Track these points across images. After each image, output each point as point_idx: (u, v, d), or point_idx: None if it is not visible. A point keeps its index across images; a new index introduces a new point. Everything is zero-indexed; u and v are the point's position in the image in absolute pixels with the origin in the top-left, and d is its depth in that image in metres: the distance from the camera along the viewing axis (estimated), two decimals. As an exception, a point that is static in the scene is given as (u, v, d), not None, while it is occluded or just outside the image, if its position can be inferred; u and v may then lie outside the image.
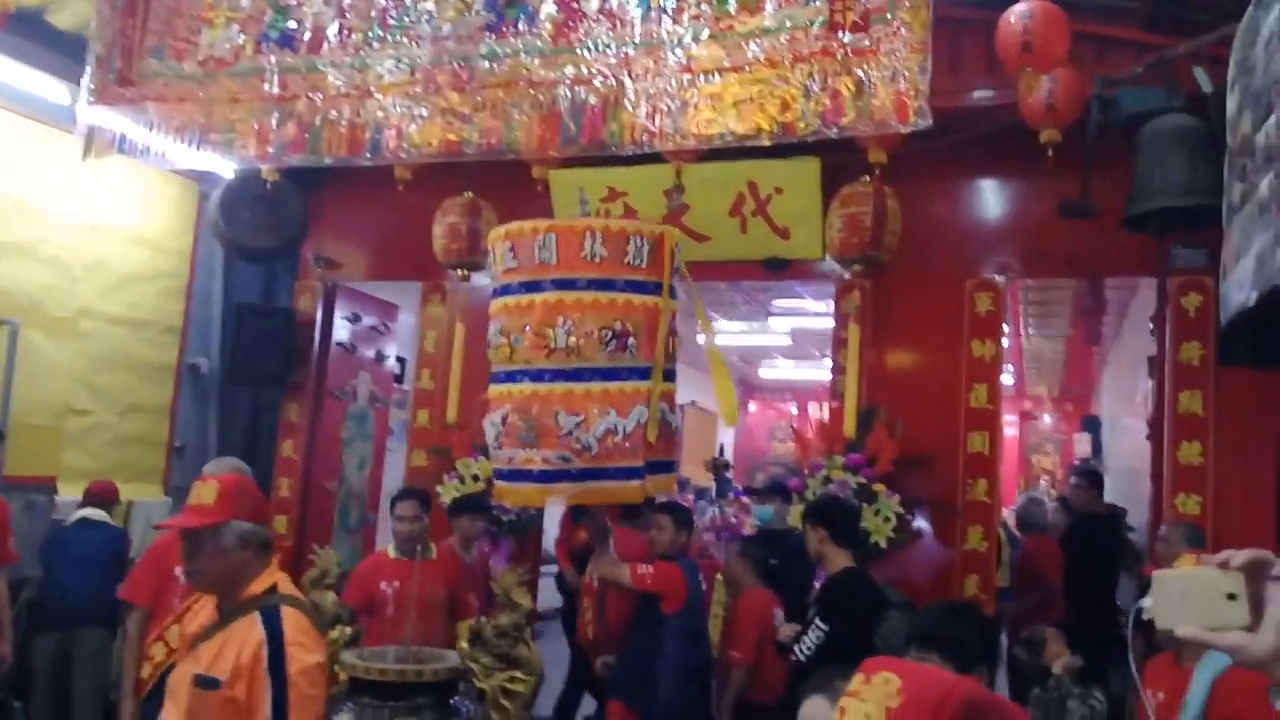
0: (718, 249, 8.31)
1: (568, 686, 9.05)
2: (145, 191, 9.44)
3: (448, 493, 8.28)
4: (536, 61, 5.93)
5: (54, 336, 8.58)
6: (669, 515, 6.72)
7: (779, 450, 23.06)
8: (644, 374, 5.21)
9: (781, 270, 8.67)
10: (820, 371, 17.22)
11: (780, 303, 14.81)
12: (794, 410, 23.77)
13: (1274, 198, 4.47)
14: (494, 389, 5.27)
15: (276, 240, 9.58)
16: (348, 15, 6.43)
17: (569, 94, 5.85)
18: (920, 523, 7.83)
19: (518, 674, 4.41)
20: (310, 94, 6.43)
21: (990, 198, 8.42)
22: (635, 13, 5.78)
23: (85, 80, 7.05)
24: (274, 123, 6.50)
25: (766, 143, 5.53)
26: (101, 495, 7.90)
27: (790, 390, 23.40)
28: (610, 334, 5.12)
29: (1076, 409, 22.42)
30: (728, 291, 13.33)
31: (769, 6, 5.50)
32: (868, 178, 7.33)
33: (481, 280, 9.05)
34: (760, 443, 25.22)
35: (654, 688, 6.30)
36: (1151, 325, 8.36)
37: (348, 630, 4.56)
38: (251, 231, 9.34)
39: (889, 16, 5.25)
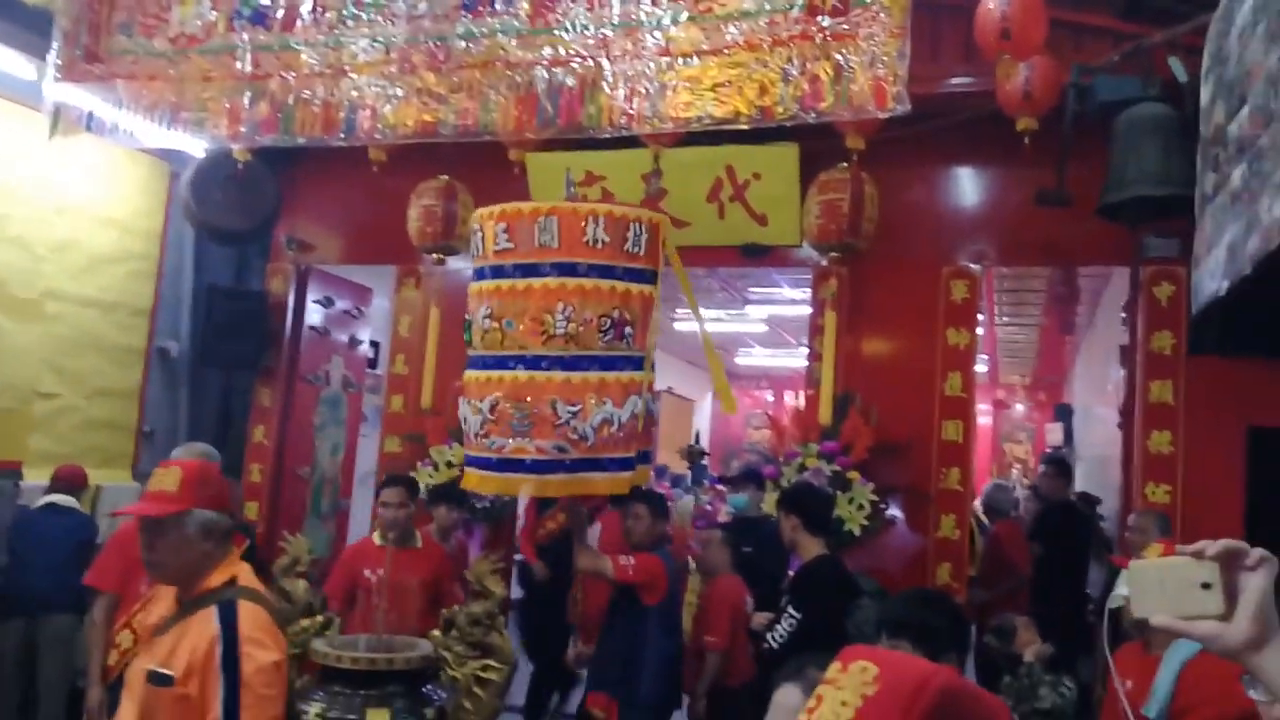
0: (695, 235, 8.29)
1: (536, 676, 8.99)
2: (114, 171, 9.32)
3: (422, 479, 8.25)
4: (514, 42, 5.89)
5: (19, 319, 8.47)
6: (645, 504, 6.53)
7: (755, 438, 23.05)
8: (638, 364, 5.19)
9: (759, 257, 8.66)
10: (796, 359, 17.21)
11: (757, 290, 14.79)
12: (770, 398, 23.79)
13: (1246, 188, 4.49)
14: (479, 374, 5.14)
15: (248, 222, 9.51)
16: (322, -8, 6.38)
17: (546, 75, 5.81)
18: (893, 511, 7.84)
19: (491, 662, 4.39)
20: (283, 73, 6.37)
21: (967, 185, 8.44)
22: (614, -7, 5.75)
23: (52, 57, 6.96)
24: (246, 102, 6.44)
25: (744, 126, 5.51)
26: (69, 480, 7.83)
27: (766, 378, 23.41)
28: (609, 322, 5.06)
29: (1049, 397, 22.49)
30: (705, 278, 13.29)
31: (748, -11, 5.48)
32: (846, 164, 7.31)
33: (457, 264, 9.02)
34: (736, 430, 25.23)
35: (636, 678, 6.20)
36: (1124, 314, 8.38)
37: (319, 619, 4.52)
38: (223, 212, 9.27)
39: (868, 1, 5.24)
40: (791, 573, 6.30)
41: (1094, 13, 7.11)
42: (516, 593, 9.96)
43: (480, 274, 5.21)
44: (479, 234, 5.19)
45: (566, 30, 5.79)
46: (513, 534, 9.08)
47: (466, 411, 5.17)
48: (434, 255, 8.71)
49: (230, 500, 3.85)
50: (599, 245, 5.03)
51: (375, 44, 6.17)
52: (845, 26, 5.23)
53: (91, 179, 9.10)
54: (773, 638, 5.70)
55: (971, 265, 8.22)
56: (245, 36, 6.48)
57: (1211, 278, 5.18)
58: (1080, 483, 13.60)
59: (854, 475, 7.50)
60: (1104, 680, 6.36)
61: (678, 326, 15.84)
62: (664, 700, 6.39)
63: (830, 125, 6.26)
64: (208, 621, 3.43)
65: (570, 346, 4.97)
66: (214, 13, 6.59)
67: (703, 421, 24.57)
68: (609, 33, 5.68)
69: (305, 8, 6.38)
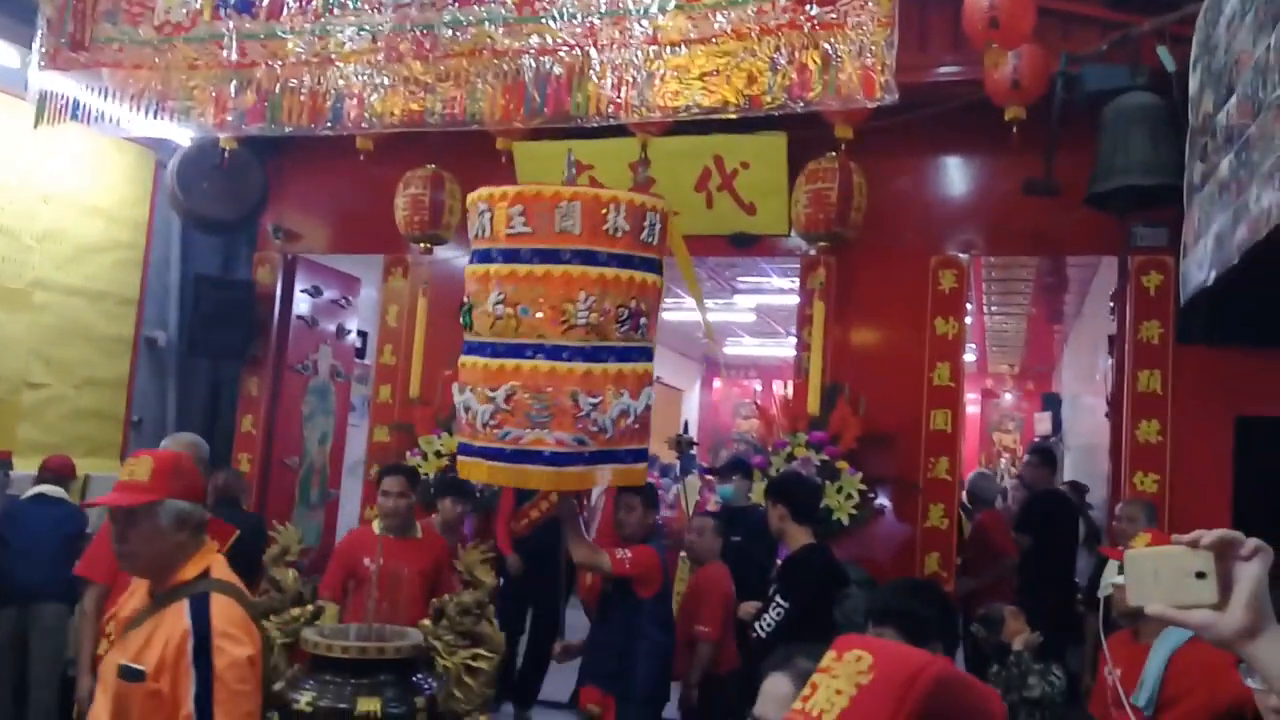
0: (683, 224, 8.20)
1: (525, 666, 8.95)
2: (100, 160, 9.29)
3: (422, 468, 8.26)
4: (500, 30, 5.86)
5: (8, 308, 8.45)
6: (638, 495, 6.36)
7: (743, 427, 23.08)
8: (650, 355, 5.17)
9: (748, 246, 8.66)
10: (784, 349, 17.23)
11: (745, 279, 14.79)
12: (758, 387, 23.80)
13: (1234, 178, 4.50)
14: (488, 361, 4.98)
15: (235, 211, 9.50)
16: (308, -21, 6.35)
17: (534, 64, 5.78)
18: (880, 500, 7.85)
19: (481, 651, 4.38)
20: (270, 61, 6.33)
21: (955, 175, 8.45)
22: (601, -19, 5.73)
23: (37, 44, 6.93)
24: (232, 90, 6.41)
25: (733, 116, 5.50)
26: (57, 471, 7.81)
27: (754, 367, 23.43)
28: (626, 313, 4.98)
29: (1037, 387, 22.54)
30: (693, 267, 13.30)
31: (736, -22, 5.46)
32: (834, 154, 7.30)
33: (445, 254, 9.01)
34: (725, 419, 25.27)
35: (631, 672, 6.13)
36: (1112, 304, 8.41)
37: (309, 608, 4.51)
38: (209, 202, 9.25)
39: (856, -10, 5.23)
40: (779, 562, 6.29)
41: (1082, 2, 7.11)
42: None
43: (485, 257, 5.05)
44: (486, 215, 5.03)
45: (554, 19, 5.75)
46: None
47: (470, 400, 5.02)
48: (421, 244, 8.69)
49: (204, 491, 3.79)
50: (619, 234, 4.93)
51: (362, 32, 6.13)
52: (833, 16, 5.21)
53: (77, 168, 9.07)
54: (760, 626, 5.71)
55: (959, 254, 8.23)
56: (231, 24, 6.43)
57: (1199, 267, 5.19)
58: (1069, 472, 13.66)
59: (842, 465, 7.53)
60: (1092, 669, 6.38)
61: (664, 316, 15.81)
62: (659, 693, 6.36)
63: (818, 114, 6.24)
64: (179, 616, 3.36)
65: (591, 337, 4.87)
66: (199, 1, 6.56)
67: (691, 411, 24.57)
68: (596, 21, 5.65)
69: (291, -5, 6.35)
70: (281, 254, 10.15)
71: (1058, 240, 8.10)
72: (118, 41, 6.73)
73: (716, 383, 25.78)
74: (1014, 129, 6.36)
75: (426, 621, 4.45)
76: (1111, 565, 6.25)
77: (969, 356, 17.38)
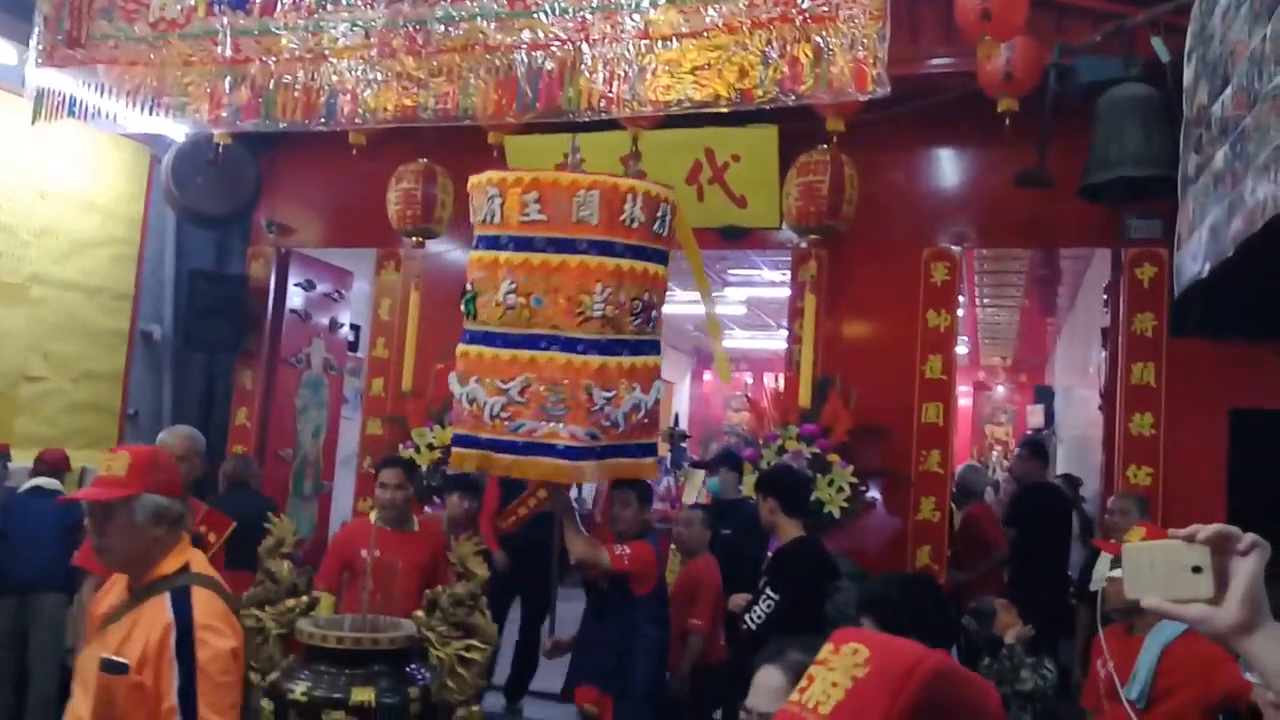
0: (676, 217, 8.28)
1: (516, 662, 8.92)
2: (95, 156, 9.31)
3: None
4: (492, 26, 5.85)
5: (5, 303, 8.48)
6: (633, 491, 6.22)
7: (734, 420, 23.12)
8: (659, 348, 5.13)
9: (739, 239, 8.66)
10: (775, 341, 17.23)
11: (736, 272, 14.80)
12: (749, 380, 23.80)
13: (1229, 169, 4.49)
14: (498, 352, 4.93)
15: (229, 206, 9.52)
16: (301, -24, 6.34)
17: (525, 59, 5.77)
18: (872, 493, 7.86)
19: (474, 642, 4.38)
20: (264, 57, 6.32)
21: (947, 167, 8.45)
22: (592, -24, 5.71)
23: (34, 41, 6.94)
24: (227, 87, 6.40)
25: (724, 110, 5.49)
26: (53, 464, 7.83)
27: (745, 360, 23.40)
28: (640, 305, 4.95)
29: (1030, 379, 22.55)
30: (683, 260, 13.31)
31: (727, -29, 5.45)
32: (825, 146, 7.29)
33: (437, 247, 9.02)
34: (715, 412, 25.29)
35: (629, 670, 5.96)
36: (1105, 296, 8.40)
37: (304, 599, 4.52)
38: (204, 197, 9.27)
39: (847, -18, 5.22)
40: (770, 554, 6.28)
41: (1075, -7, 7.12)
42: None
43: (494, 243, 5.00)
44: (496, 200, 4.97)
45: (545, 13, 5.73)
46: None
47: (477, 392, 4.96)
48: (414, 238, 8.68)
49: (181, 486, 3.77)
50: (635, 225, 4.90)
51: (355, 28, 6.12)
52: (825, 8, 5.19)
53: (74, 164, 9.10)
54: (751, 619, 5.70)
55: (952, 247, 8.24)
56: (225, 21, 6.42)
57: (1194, 259, 5.19)
58: (1061, 465, 13.65)
59: (834, 458, 7.52)
60: (1083, 662, 6.39)
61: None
62: (657, 691, 6.24)
63: (810, 107, 6.24)
64: (161, 609, 3.36)
65: (606, 330, 4.83)
66: (194, -3, 6.56)
67: (682, 404, 24.63)
68: (588, 16, 5.64)
69: (284, -8, 6.34)
70: (275, 248, 10.18)
71: (1051, 232, 8.11)
72: (113, 38, 6.72)
73: (707, 375, 25.81)
74: (1007, 121, 6.35)
75: (420, 613, 4.45)
76: (1104, 558, 6.27)
77: (961, 349, 17.38)
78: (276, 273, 10.23)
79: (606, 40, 5.60)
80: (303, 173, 9.88)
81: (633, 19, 5.57)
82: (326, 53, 6.19)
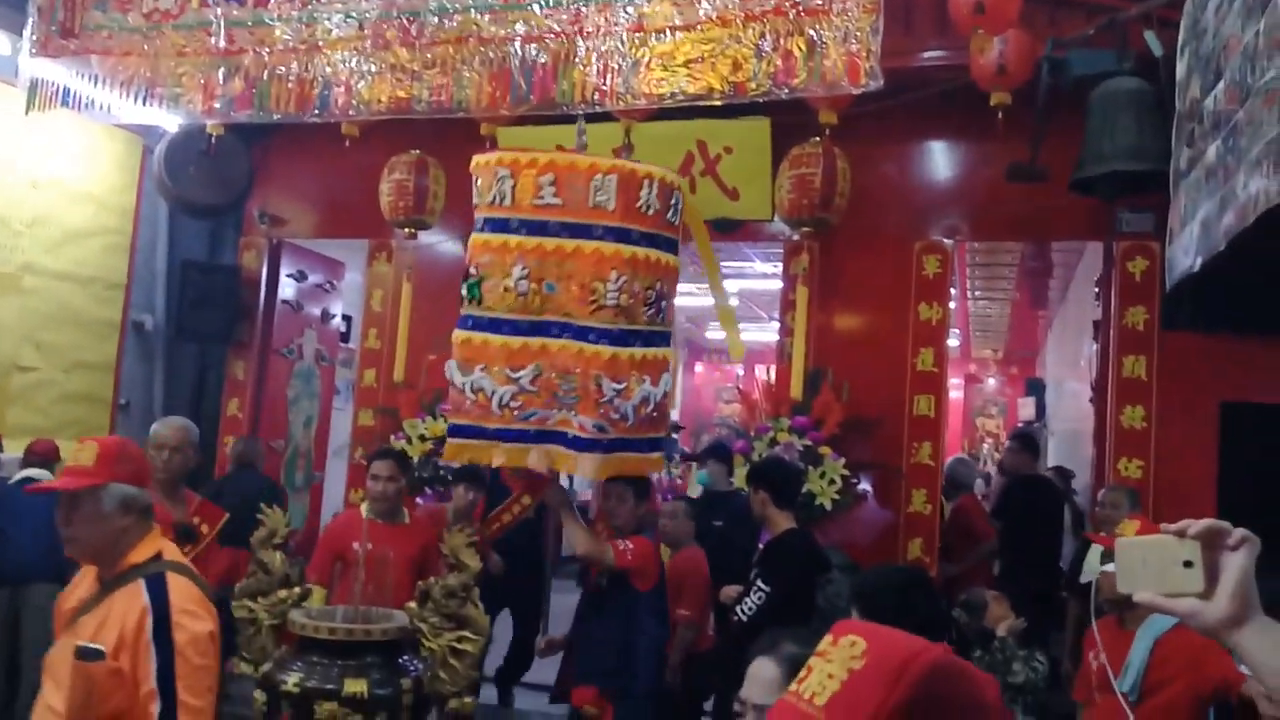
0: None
1: (509, 661, 8.87)
2: (88, 146, 9.30)
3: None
4: (486, 18, 5.83)
5: (-2, 292, 8.47)
6: (629, 485, 6.00)
7: (725, 412, 23.11)
8: (669, 340, 5.05)
9: (731, 231, 8.66)
10: (767, 333, 17.22)
11: (728, 264, 14.74)
12: (740, 372, 23.78)
13: (1221, 164, 4.50)
14: (508, 340, 4.83)
15: (221, 196, 9.54)
16: (294, -33, 6.32)
17: (519, 52, 5.76)
18: (862, 485, 7.86)
19: (466, 634, 4.38)
20: (257, 49, 6.30)
21: (939, 160, 8.45)
22: (586, -31, 5.70)
23: (27, 32, 6.93)
24: (220, 78, 6.38)
25: (718, 103, 5.48)
26: (43, 455, 7.82)
27: (736, 351, 23.37)
28: (653, 295, 4.87)
29: (1021, 372, 22.55)
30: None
31: (721, -36, 5.44)
32: (818, 138, 7.28)
33: (429, 239, 9.02)
34: (707, 404, 25.28)
35: (631, 669, 5.84)
36: (1097, 289, 8.42)
37: (297, 590, 4.52)
38: (196, 187, 9.29)
39: (841, -25, 5.21)
40: (761, 546, 6.27)
41: (1069, -14, 7.12)
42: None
43: (502, 226, 4.90)
44: (507, 181, 4.89)
45: (539, 6, 5.69)
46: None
47: (483, 380, 4.85)
48: (406, 229, 8.67)
49: (149, 476, 3.78)
50: (650, 212, 4.83)
51: (349, 19, 6.10)
52: (818, 2, 5.18)
53: (66, 154, 9.09)
54: (742, 610, 5.69)
55: (944, 239, 8.26)
56: (219, 11, 6.40)
57: (1185, 253, 5.20)
58: (1052, 457, 13.68)
59: (825, 450, 7.53)
60: (1073, 655, 6.41)
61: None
62: (658, 687, 6.13)
63: (803, 100, 6.23)
64: (136, 595, 3.38)
65: (619, 319, 4.75)
66: (187, -14, 6.55)
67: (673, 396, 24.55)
68: (582, 8, 5.61)
69: (278, -19, 6.33)
70: (267, 239, 10.19)
71: (1043, 225, 8.12)
72: (107, 28, 6.70)
73: (698, 367, 25.78)
74: (999, 114, 6.35)
75: (413, 604, 4.46)
76: (1094, 551, 6.27)
77: (952, 341, 17.40)
78: (269, 263, 10.25)
79: (600, 33, 5.58)
80: (295, 164, 9.87)
81: (626, 12, 5.55)
82: (320, 44, 6.16)
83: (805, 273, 8.15)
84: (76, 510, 3.45)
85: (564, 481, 7.80)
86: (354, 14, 6.11)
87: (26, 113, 6.99)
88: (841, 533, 7.55)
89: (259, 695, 4.19)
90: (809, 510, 7.16)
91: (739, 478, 7.70)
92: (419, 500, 8.28)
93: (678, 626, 6.73)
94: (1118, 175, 6.48)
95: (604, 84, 5.55)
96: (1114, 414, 7.61)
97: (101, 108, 6.84)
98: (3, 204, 8.54)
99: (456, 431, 5.03)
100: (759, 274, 14.61)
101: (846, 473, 7.49)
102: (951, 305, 8.72)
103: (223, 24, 6.40)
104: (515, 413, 4.76)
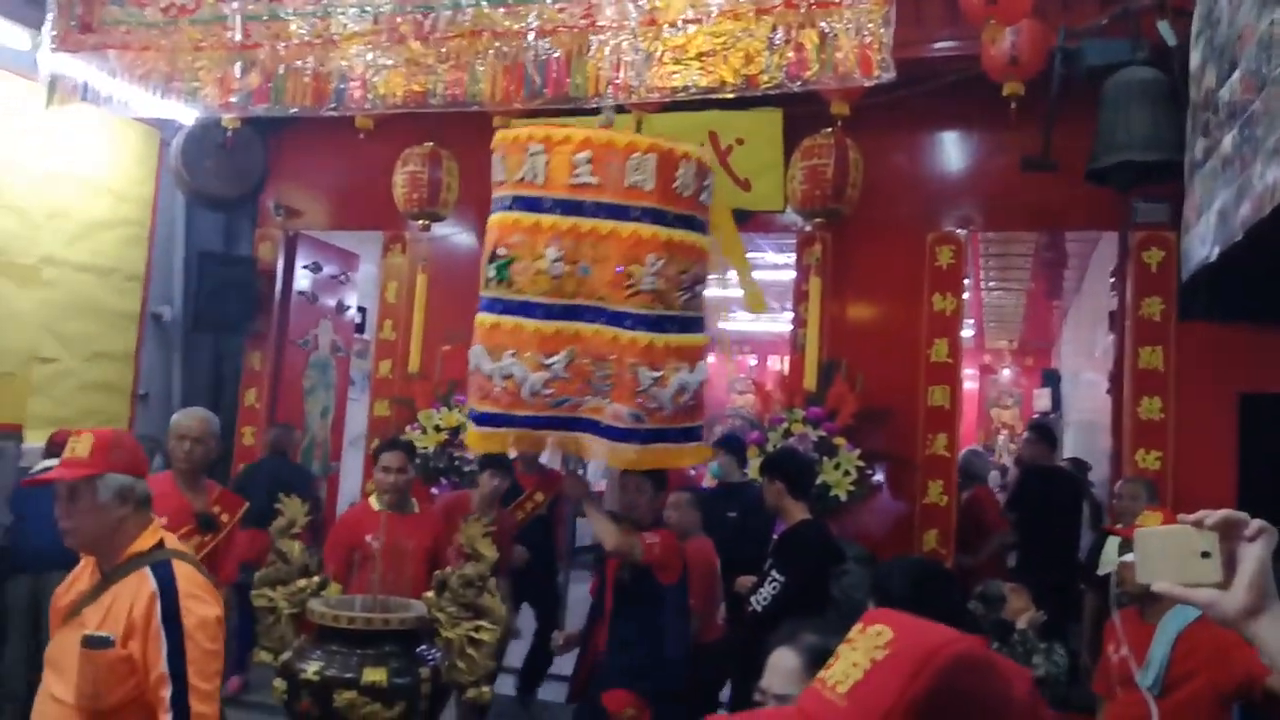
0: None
1: (530, 659, 8.74)
2: (106, 139, 9.35)
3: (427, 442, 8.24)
4: (500, 11, 5.82)
5: (18, 284, 8.53)
6: (648, 477, 5.67)
7: (738, 403, 23.08)
8: (704, 326, 4.91)
9: (743, 222, 8.64)
10: (779, 324, 17.19)
11: (747, 257, 14.74)
12: (753, 362, 23.76)
13: (1237, 153, 4.49)
14: (540, 324, 4.62)
15: (237, 188, 9.58)
16: (310, -39, 6.34)
17: (533, 46, 5.76)
18: (875, 476, 7.85)
19: (483, 623, 4.40)
20: (273, 43, 6.32)
21: (952, 150, 8.44)
22: (599, -37, 5.68)
23: (47, 27, 6.97)
24: (237, 72, 6.41)
25: (730, 95, 5.47)
26: (63, 445, 7.85)
27: (749, 342, 23.35)
28: (688, 280, 4.69)
29: (1036, 363, 22.46)
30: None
31: (733, -42, 5.43)
32: (830, 129, 7.28)
33: (443, 230, 9.04)
34: (720, 395, 25.25)
35: (662, 667, 5.58)
36: (1112, 280, 8.40)
37: (315, 579, 4.54)
38: (213, 179, 9.34)
39: (853, -32, 5.19)
40: (775, 537, 6.25)
41: (1082, -24, 7.10)
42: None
43: (534, 205, 4.68)
44: (539, 158, 4.69)
45: (551, -1, 5.72)
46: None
47: (513, 367, 4.62)
48: (420, 221, 8.69)
49: (146, 467, 3.78)
50: (686, 193, 4.66)
51: (363, 13, 6.10)
52: (830, -7, 5.18)
53: (85, 147, 9.14)
54: (757, 600, 5.66)
55: (957, 230, 8.24)
56: (235, 6, 6.41)
57: (1202, 243, 5.19)
58: (1069, 449, 13.64)
59: (840, 441, 7.52)
60: (1090, 648, 6.40)
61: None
62: (686, 684, 5.84)
63: (815, 91, 6.23)
64: (143, 581, 3.40)
65: (655, 305, 4.56)
66: (204, -19, 6.57)
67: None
68: (594, 1, 5.62)
69: (293, -25, 6.35)
70: (282, 230, 10.24)
71: (1057, 216, 8.11)
72: (125, 24, 6.73)
73: (711, 357, 25.68)
74: (1012, 104, 6.35)
75: (430, 594, 4.47)
76: (1112, 543, 6.28)
77: (966, 332, 17.36)
78: (284, 255, 10.32)
79: (613, 26, 5.58)
80: (310, 156, 9.91)
81: (639, 5, 5.54)
82: (335, 38, 6.18)
83: (818, 264, 8.14)
84: (74, 501, 3.48)
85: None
86: (368, 8, 6.11)
87: (46, 108, 7.03)
88: (855, 524, 7.55)
89: (279, 683, 4.22)
90: (824, 501, 7.17)
91: (752, 469, 7.70)
92: (434, 490, 8.30)
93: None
94: (1132, 165, 6.47)
95: (617, 77, 5.55)
96: (1131, 405, 7.60)
97: (120, 102, 6.87)
98: (22, 197, 8.59)
99: (483, 420, 4.82)
100: (771, 265, 14.58)
101: (861, 464, 7.48)
102: (965, 296, 8.69)
103: (239, 18, 6.41)
104: (547, 400, 4.60)
